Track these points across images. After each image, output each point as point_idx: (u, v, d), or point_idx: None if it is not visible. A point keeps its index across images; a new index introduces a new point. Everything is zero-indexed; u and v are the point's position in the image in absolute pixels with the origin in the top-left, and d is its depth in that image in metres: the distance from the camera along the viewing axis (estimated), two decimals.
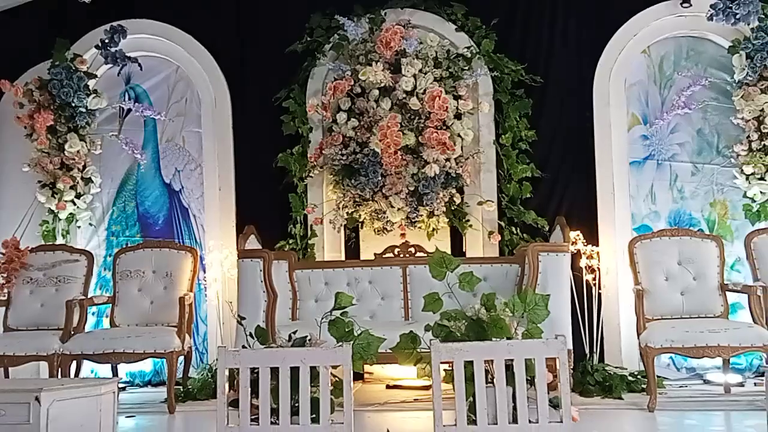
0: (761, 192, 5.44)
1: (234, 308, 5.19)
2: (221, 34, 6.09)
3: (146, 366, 5.69)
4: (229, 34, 6.08)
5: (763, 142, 5.39)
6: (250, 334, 3.33)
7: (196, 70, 6.10)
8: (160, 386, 5.39)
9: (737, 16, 5.35)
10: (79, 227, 6.07)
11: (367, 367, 5.45)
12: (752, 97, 5.38)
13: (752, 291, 4.70)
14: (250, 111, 6.02)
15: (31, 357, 4.91)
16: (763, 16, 5.36)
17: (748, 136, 5.46)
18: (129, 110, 6.17)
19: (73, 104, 5.85)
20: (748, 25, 5.39)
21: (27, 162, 5.92)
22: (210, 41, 6.06)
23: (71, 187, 5.92)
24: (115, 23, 5.90)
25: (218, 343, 5.57)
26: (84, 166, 5.99)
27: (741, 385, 5.07)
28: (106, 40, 5.90)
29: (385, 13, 5.81)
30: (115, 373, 5.32)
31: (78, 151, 5.90)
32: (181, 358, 5.16)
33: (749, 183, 5.47)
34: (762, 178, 5.41)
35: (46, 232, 5.93)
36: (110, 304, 5.44)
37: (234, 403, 2.63)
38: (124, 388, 5.39)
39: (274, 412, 2.60)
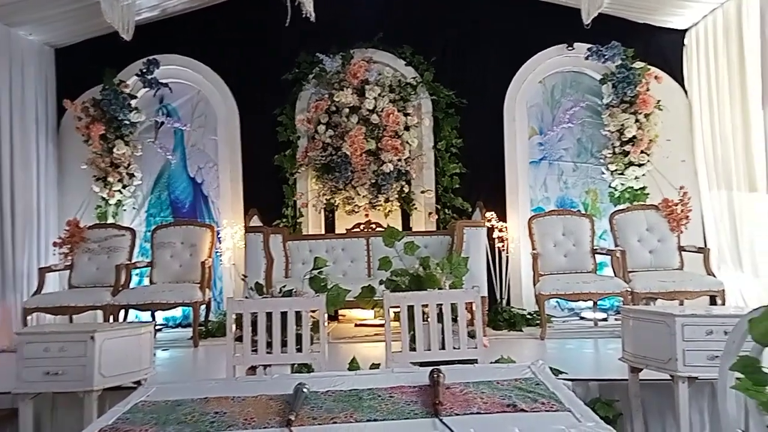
0: (621, 184, 5.51)
1: (240, 270, 5.13)
2: (232, 66, 5.90)
3: (177, 312, 5.57)
4: (237, 66, 5.89)
5: (623, 148, 5.46)
6: (251, 288, 3.30)
7: (213, 93, 5.94)
8: (187, 327, 5.29)
9: (606, 57, 5.44)
10: (125, 210, 5.89)
11: (341, 311, 5.49)
12: (616, 115, 5.45)
13: (613, 254, 4.81)
14: (253, 123, 5.87)
15: (89, 307, 4.79)
16: (624, 57, 5.43)
17: (612, 144, 5.53)
18: (162, 123, 6.00)
19: (119, 118, 5.67)
20: (614, 63, 5.45)
21: (85, 161, 5.73)
22: (223, 71, 5.90)
23: (119, 180, 5.74)
24: (150, 57, 5.73)
25: (229, 295, 5.52)
26: (128, 165, 5.80)
27: (605, 320, 5.19)
28: (144, 70, 5.74)
29: (353, 52, 5.72)
30: (153, 318, 5.22)
31: (124, 153, 5.72)
32: (203, 306, 5.09)
33: (613, 177, 5.55)
34: (621, 173, 5.48)
35: (99, 214, 5.75)
36: (149, 267, 5.33)
37: (240, 339, 2.60)
38: (160, 329, 5.31)
39: (269, 344, 2.58)
